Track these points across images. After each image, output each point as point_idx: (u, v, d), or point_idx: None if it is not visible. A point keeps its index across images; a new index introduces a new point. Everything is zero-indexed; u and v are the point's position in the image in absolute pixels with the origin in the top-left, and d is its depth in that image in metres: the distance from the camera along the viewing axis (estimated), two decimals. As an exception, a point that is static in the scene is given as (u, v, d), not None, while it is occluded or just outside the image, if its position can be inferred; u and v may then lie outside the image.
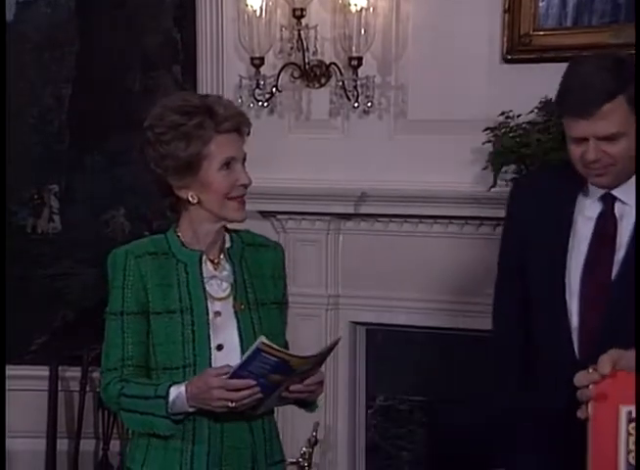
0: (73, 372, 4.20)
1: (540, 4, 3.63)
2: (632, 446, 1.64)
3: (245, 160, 2.43)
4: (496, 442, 2.61)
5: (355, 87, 3.81)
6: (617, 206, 2.42)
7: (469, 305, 3.63)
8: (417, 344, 3.93)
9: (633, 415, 1.65)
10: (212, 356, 2.38)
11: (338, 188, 3.83)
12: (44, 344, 4.38)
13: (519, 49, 3.63)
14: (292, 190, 3.89)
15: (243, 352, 2.34)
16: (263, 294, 2.48)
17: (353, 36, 3.75)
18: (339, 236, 3.97)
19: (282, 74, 3.92)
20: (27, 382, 4.24)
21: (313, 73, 3.91)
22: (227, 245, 2.49)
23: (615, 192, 2.42)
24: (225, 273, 2.45)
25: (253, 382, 2.26)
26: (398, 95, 3.87)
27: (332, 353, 2.39)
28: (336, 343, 2.37)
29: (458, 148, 3.66)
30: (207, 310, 2.41)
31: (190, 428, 2.39)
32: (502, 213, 2.74)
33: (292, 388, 2.34)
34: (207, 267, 2.44)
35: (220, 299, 2.43)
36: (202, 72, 4.09)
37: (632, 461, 1.64)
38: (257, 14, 3.83)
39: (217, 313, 2.41)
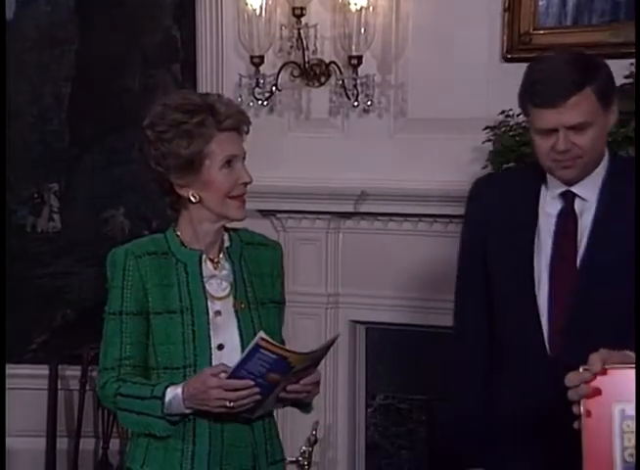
0: (73, 371, 4.20)
1: (540, 3, 3.64)
2: (628, 443, 1.65)
3: (244, 158, 2.44)
4: (466, 442, 2.62)
5: (355, 86, 3.81)
6: (577, 202, 2.46)
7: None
8: (417, 342, 3.93)
9: (627, 413, 1.66)
10: (213, 356, 2.38)
11: (337, 187, 3.83)
12: (44, 343, 4.38)
13: (518, 48, 3.63)
14: (291, 189, 3.89)
15: (243, 351, 2.34)
16: (262, 293, 2.48)
17: (353, 35, 3.75)
18: (338, 235, 3.97)
19: (282, 73, 3.92)
20: (27, 381, 4.24)
21: (313, 72, 3.92)
22: (226, 244, 2.49)
23: (574, 189, 2.45)
24: (225, 272, 2.45)
25: (252, 382, 2.26)
26: (398, 94, 3.87)
27: (331, 352, 2.39)
28: (334, 339, 2.38)
29: (458, 147, 3.66)
30: (208, 310, 2.40)
31: (190, 428, 2.39)
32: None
33: (289, 388, 2.33)
34: (207, 267, 2.44)
35: (220, 298, 2.43)
36: (201, 71, 4.09)
37: (628, 458, 1.65)
38: (257, 12, 3.83)
39: (218, 313, 2.41)
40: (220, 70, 4.06)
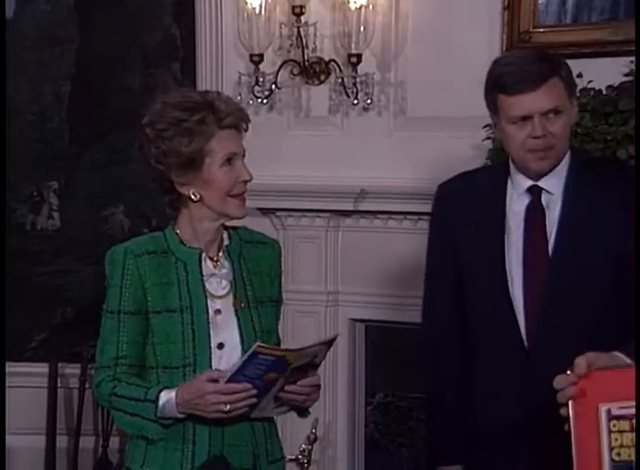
0: (73, 369, 4.20)
1: (540, 1, 3.64)
2: (615, 443, 1.68)
3: (244, 156, 2.44)
4: (441, 440, 2.63)
5: (355, 84, 3.81)
6: (544, 196, 2.50)
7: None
8: (416, 340, 3.92)
9: (612, 413, 1.69)
10: (213, 355, 2.37)
11: (337, 185, 3.83)
12: (44, 341, 4.38)
13: (518, 46, 3.62)
14: (291, 187, 3.89)
15: (244, 350, 2.34)
16: (261, 291, 2.48)
17: (353, 33, 3.76)
18: (338, 233, 3.97)
19: (281, 71, 3.93)
20: (27, 379, 4.25)
21: (313, 70, 3.92)
22: (225, 242, 2.48)
23: (540, 183, 2.50)
24: (224, 271, 2.45)
25: (250, 385, 2.26)
26: (398, 92, 3.88)
27: (330, 350, 2.39)
28: (333, 339, 2.37)
29: (457, 145, 3.66)
30: (207, 309, 2.40)
31: (190, 427, 2.38)
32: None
33: (287, 388, 2.33)
34: (207, 265, 2.43)
35: (220, 297, 2.43)
36: (201, 70, 4.10)
37: (616, 457, 1.68)
38: (257, 11, 3.84)
39: (217, 311, 2.41)
40: (220, 69, 4.06)
